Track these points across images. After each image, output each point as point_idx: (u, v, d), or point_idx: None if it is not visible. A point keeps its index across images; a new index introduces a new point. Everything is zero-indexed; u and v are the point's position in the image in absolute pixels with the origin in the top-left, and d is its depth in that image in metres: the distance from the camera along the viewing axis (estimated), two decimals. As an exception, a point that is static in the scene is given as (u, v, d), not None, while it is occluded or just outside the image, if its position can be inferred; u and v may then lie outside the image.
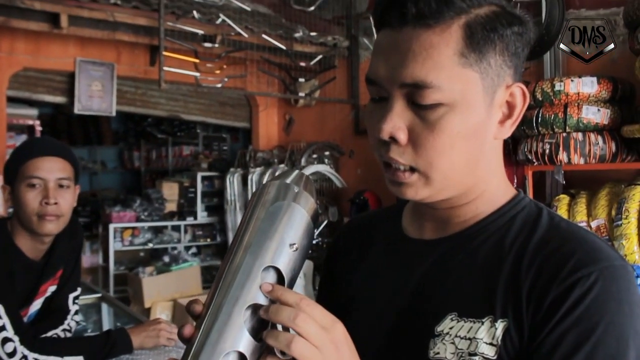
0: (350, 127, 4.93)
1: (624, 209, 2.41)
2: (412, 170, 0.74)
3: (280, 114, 5.77)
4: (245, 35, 4.13)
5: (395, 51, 0.71)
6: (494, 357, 0.69)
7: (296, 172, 0.82)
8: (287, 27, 4.73)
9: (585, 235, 0.73)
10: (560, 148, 2.63)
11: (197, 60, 4.15)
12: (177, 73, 3.93)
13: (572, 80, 2.61)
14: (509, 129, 0.76)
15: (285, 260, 0.74)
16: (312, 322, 0.64)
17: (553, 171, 2.72)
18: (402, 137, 0.72)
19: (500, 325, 0.70)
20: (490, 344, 0.70)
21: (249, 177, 5.14)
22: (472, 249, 0.78)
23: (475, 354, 0.70)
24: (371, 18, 0.82)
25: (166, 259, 4.78)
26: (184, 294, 4.46)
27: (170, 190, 5.68)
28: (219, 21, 4.05)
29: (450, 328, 0.73)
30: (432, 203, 0.79)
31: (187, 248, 5.51)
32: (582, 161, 2.62)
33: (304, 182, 0.81)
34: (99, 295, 2.64)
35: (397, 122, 0.71)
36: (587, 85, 2.59)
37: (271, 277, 0.72)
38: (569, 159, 2.63)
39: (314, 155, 5.07)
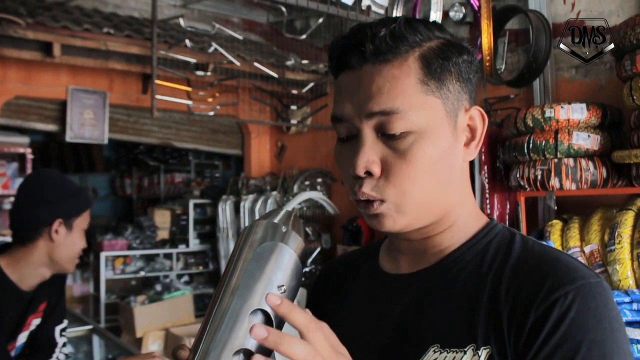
0: (343, 153, 4.94)
1: (616, 234, 2.42)
2: (382, 201, 0.76)
3: (272, 141, 5.79)
4: (238, 64, 4.16)
5: (359, 88, 0.75)
6: None
7: (284, 211, 0.82)
8: (279, 55, 4.78)
9: (559, 256, 0.74)
10: (552, 174, 2.65)
11: (189, 89, 4.17)
12: (170, 101, 3.94)
13: (562, 107, 2.64)
14: (474, 151, 0.80)
15: None
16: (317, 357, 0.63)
17: (545, 197, 2.73)
18: (377, 170, 0.75)
19: (483, 353, 0.70)
20: None
21: (242, 204, 5.13)
22: (450, 280, 0.79)
23: None
24: (329, 66, 0.87)
25: (158, 287, 4.72)
26: (177, 323, 4.40)
27: (162, 218, 5.65)
28: (211, 50, 4.08)
29: None
30: (408, 235, 0.81)
31: (179, 276, 5.46)
32: (573, 187, 2.63)
33: (292, 222, 0.81)
34: (90, 327, 2.59)
35: (371, 156, 0.75)
36: (577, 112, 2.62)
37: (259, 320, 0.71)
38: (561, 184, 2.64)
39: (307, 182, 5.07)
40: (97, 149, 8.05)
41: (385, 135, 0.75)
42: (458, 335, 0.73)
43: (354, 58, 0.76)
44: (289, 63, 4.56)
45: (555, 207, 2.69)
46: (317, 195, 5.06)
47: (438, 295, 0.78)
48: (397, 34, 0.74)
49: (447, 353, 0.73)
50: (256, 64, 4.31)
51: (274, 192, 5.07)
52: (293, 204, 4.88)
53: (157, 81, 3.78)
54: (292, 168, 5.26)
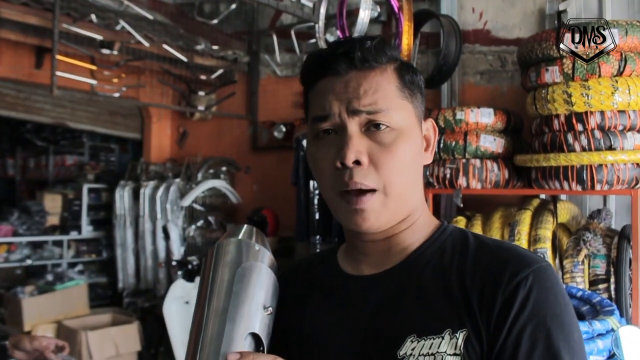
0: (248, 143, 4.92)
1: (516, 231, 2.62)
2: (373, 192, 0.82)
3: (173, 127, 5.61)
4: (146, 44, 3.97)
5: (347, 89, 0.84)
6: None
7: (245, 226, 0.84)
8: (188, 39, 4.63)
9: (509, 246, 0.86)
10: (460, 173, 2.81)
11: (94, 67, 3.92)
12: (71, 79, 3.68)
13: (472, 111, 2.80)
14: (429, 157, 0.93)
15: (263, 324, 0.73)
16: None
17: (452, 194, 2.89)
18: (365, 159, 0.82)
19: (460, 335, 0.77)
20: (454, 354, 0.76)
21: (141, 191, 4.93)
22: (416, 276, 0.85)
23: None
24: (306, 74, 0.90)
25: (49, 277, 4.41)
26: (69, 315, 4.13)
27: (52, 203, 5.27)
28: (118, 27, 3.86)
29: (413, 349, 0.78)
30: (375, 235, 0.87)
31: (72, 265, 5.13)
32: (479, 186, 2.81)
33: (261, 238, 0.82)
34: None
35: (359, 147, 0.82)
36: (485, 116, 2.79)
37: (249, 343, 0.71)
38: (468, 183, 2.81)
39: (210, 170, 4.98)
40: (-26, 125, 7.35)
41: (370, 131, 0.83)
42: (433, 324, 0.79)
43: (342, 65, 0.85)
44: (198, 47, 4.43)
45: (462, 205, 2.85)
46: (221, 184, 4.99)
47: (406, 291, 0.83)
48: (379, 47, 0.86)
49: (425, 340, 0.78)
50: (165, 46, 4.14)
51: (177, 180, 4.93)
52: (196, 193, 4.77)
53: (59, 56, 3.52)
54: (194, 155, 5.13)
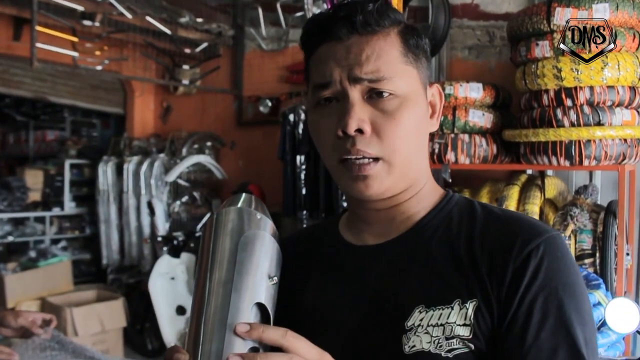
0: (233, 118, 4.87)
1: (504, 206, 2.63)
2: (377, 160, 0.80)
3: (157, 101, 5.53)
4: (129, 16, 3.88)
5: (348, 55, 0.81)
6: (470, 336, 0.74)
7: (244, 195, 0.81)
8: (172, 11, 4.53)
9: (519, 216, 0.84)
10: (449, 148, 2.80)
11: (75, 39, 3.83)
12: (52, 51, 3.58)
13: (460, 85, 2.79)
14: (435, 123, 0.89)
15: (268, 294, 0.72)
16: None
17: (441, 169, 2.89)
18: (368, 128, 0.79)
19: (470, 305, 0.75)
20: (464, 324, 0.75)
21: (125, 166, 4.87)
22: (422, 245, 0.83)
23: (452, 337, 0.74)
24: (306, 39, 0.88)
25: (32, 253, 4.36)
26: (53, 292, 4.10)
27: (34, 179, 5.19)
28: (99, -2, 3.76)
29: (421, 320, 0.77)
30: (378, 204, 0.85)
31: (55, 241, 5.08)
32: (467, 161, 2.81)
33: (261, 207, 0.80)
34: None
35: (361, 115, 0.79)
36: (474, 91, 2.78)
37: (255, 313, 0.69)
38: (456, 158, 2.80)
39: (195, 146, 4.93)
40: (-50, 99, 7.16)
41: (373, 98, 0.80)
42: (442, 294, 0.77)
43: (343, 29, 0.81)
44: (182, 20, 4.34)
45: (450, 180, 2.85)
46: (206, 160, 4.95)
47: (413, 261, 0.82)
48: (382, 10, 0.82)
49: (434, 311, 0.76)
50: (148, 18, 4.04)
51: (161, 155, 4.87)
52: (181, 168, 4.73)
53: (38, 27, 3.42)
54: (178, 130, 5.08)
